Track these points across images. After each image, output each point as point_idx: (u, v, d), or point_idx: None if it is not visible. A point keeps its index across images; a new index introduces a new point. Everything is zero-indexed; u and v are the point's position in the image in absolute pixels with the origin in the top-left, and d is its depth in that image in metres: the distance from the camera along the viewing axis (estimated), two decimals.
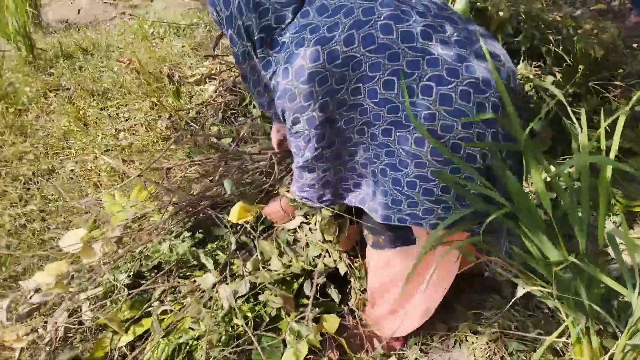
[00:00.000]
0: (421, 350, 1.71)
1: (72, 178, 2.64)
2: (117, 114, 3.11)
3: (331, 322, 1.67)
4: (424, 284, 1.51)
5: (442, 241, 1.33)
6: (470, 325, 1.75)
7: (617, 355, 1.30)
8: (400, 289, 1.53)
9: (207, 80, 3.33)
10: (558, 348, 1.62)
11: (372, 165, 1.37)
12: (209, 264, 1.74)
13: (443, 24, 1.30)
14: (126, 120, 3.06)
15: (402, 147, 1.29)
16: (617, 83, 2.55)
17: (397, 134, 1.29)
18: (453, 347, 1.73)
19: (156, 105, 3.09)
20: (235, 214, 1.85)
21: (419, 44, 1.24)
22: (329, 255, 1.77)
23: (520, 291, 1.34)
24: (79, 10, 4.78)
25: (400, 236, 1.49)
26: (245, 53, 1.37)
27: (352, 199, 1.49)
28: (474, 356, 1.67)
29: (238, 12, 1.31)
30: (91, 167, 2.68)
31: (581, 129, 1.34)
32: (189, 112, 3.00)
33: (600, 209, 1.28)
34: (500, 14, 2.69)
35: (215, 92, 3.19)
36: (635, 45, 3.07)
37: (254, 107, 2.79)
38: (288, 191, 1.79)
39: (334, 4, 1.27)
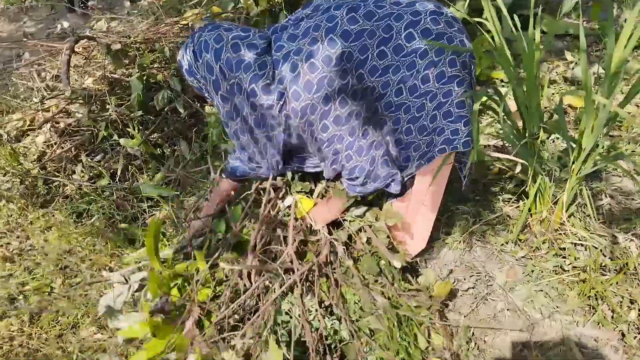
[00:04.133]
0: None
1: None
2: None
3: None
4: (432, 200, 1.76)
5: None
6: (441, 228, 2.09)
7: (567, 194, 1.79)
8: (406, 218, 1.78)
9: (27, 133, 2.87)
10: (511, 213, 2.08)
11: (395, 134, 1.56)
12: None
13: None
14: None
15: (414, 95, 1.50)
16: None
17: (407, 86, 1.49)
18: (439, 252, 2.04)
19: None
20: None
21: (382, 14, 1.46)
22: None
23: (519, 168, 1.72)
24: None
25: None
26: (237, 106, 1.53)
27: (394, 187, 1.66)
28: (458, 248, 2.02)
29: (221, 74, 1.47)
30: None
31: None
32: (29, 171, 2.58)
33: None
34: None
35: (46, 142, 2.79)
36: None
37: (119, 137, 2.57)
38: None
39: (299, 31, 1.47)
